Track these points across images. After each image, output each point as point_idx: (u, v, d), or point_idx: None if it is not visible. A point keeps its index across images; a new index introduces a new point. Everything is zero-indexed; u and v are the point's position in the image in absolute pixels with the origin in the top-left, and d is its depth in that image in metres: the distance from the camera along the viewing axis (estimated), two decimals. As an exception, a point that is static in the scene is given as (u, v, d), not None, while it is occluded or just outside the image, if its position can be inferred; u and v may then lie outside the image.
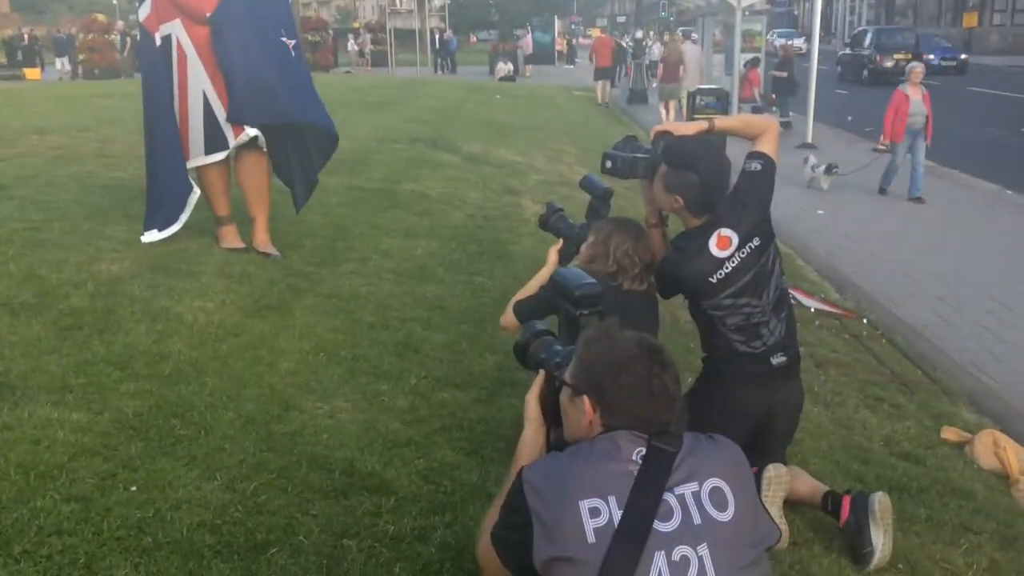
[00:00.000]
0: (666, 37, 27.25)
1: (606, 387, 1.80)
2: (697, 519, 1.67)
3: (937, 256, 8.37)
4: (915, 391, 5.03)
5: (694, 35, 22.64)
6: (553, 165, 11.18)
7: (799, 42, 32.72)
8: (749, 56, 17.19)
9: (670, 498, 1.68)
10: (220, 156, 4.98)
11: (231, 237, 5.19)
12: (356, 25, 69.12)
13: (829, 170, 11.26)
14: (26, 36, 33.19)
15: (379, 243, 5.99)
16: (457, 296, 5.11)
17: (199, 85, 4.85)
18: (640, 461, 1.72)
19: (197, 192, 4.97)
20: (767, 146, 3.12)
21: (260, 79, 4.90)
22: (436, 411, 3.60)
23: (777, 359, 3.08)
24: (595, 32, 78.43)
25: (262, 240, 5.25)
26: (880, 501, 3.05)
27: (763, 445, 3.13)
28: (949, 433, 4.34)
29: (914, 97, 10.77)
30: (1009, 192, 11.44)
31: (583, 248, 3.32)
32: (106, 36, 32.04)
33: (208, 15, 4.79)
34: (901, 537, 3.12)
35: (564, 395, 1.93)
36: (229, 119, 4.91)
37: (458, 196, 8.12)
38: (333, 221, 6.31)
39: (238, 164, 5.15)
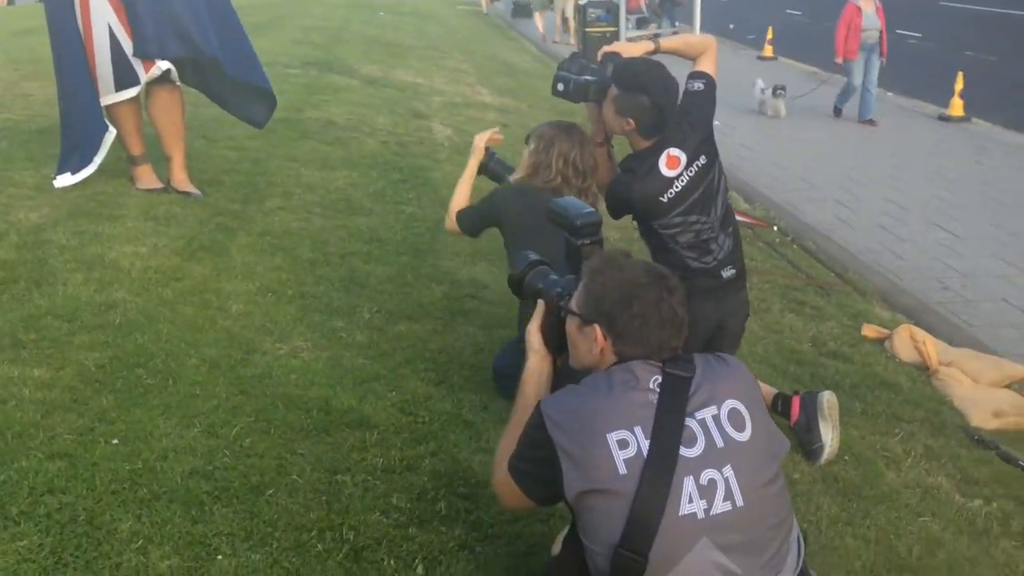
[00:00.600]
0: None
1: (617, 316, 1.86)
2: (720, 442, 1.75)
3: (833, 160, 8.80)
4: (831, 292, 5.36)
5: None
6: (454, 86, 11.08)
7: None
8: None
9: (692, 423, 1.76)
10: (132, 93, 4.76)
11: (147, 177, 5.01)
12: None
13: (775, 92, 10.88)
14: None
15: (299, 176, 5.88)
16: (391, 227, 5.11)
17: (103, 18, 4.60)
18: (658, 389, 1.79)
19: (112, 132, 4.76)
20: (707, 65, 3.23)
21: (165, 10, 4.68)
22: (396, 344, 3.65)
23: (727, 272, 3.26)
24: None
25: (180, 179, 5.09)
26: (828, 399, 3.30)
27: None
28: (869, 331, 4.67)
29: (867, 10, 10.35)
30: (889, 94, 12.01)
31: (524, 155, 3.34)
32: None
33: None
34: (842, 431, 3.38)
35: (572, 324, 1.98)
36: (136, 53, 4.69)
37: (366, 122, 8.00)
38: (247, 155, 6.15)
39: (150, 100, 4.94)
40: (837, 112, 10.92)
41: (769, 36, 15.52)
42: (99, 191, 4.85)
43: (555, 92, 3.28)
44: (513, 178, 3.40)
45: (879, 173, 8.41)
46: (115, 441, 2.67)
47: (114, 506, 2.39)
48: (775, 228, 6.59)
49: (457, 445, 2.94)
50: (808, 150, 9.33)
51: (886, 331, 4.63)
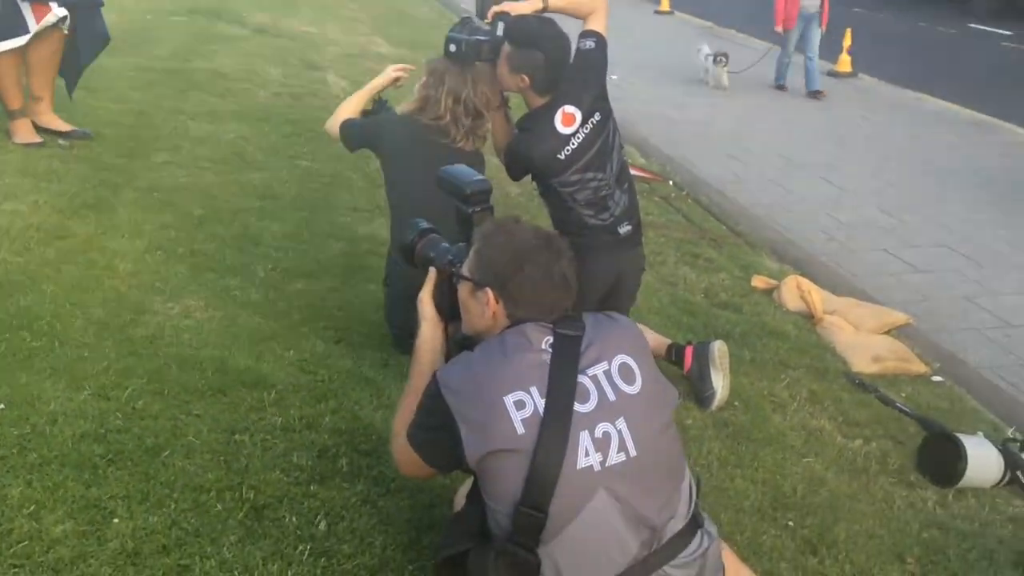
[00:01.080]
0: None
1: (509, 278, 1.92)
2: (612, 396, 1.83)
3: (724, 112, 9.04)
4: (723, 245, 5.55)
5: None
6: (349, 36, 10.85)
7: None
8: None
9: (584, 380, 1.82)
10: (20, 42, 4.54)
11: (26, 131, 4.79)
12: None
13: (717, 60, 10.22)
14: None
15: (186, 129, 5.72)
16: (285, 182, 5.04)
17: None
18: (550, 349, 1.85)
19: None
20: (598, 24, 3.29)
21: None
22: (293, 302, 3.63)
23: (624, 228, 3.35)
24: None
25: (52, 118, 4.88)
26: (719, 348, 3.45)
27: (612, 307, 3.43)
28: (758, 281, 4.87)
29: None
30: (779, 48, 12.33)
31: (416, 88, 3.30)
32: None
33: None
34: (732, 378, 3.54)
35: (464, 290, 2.03)
36: None
37: (257, 73, 7.80)
38: (130, 108, 5.94)
39: (31, 44, 4.68)
40: (780, 88, 10.40)
41: (666, -10, 15.74)
42: (-30, 146, 4.62)
43: (447, 54, 3.26)
44: (401, 109, 3.36)
45: (771, 129, 8.69)
46: (1, 406, 2.60)
47: (2, 472, 2.34)
48: (671, 183, 6.75)
49: (358, 402, 2.97)
50: (708, 110, 9.54)
51: (774, 282, 4.83)
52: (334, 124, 3.39)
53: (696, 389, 3.46)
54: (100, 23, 4.97)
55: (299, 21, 11.15)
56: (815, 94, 10.06)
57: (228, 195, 4.69)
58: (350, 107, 3.42)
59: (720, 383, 3.42)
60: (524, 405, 1.77)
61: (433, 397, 1.88)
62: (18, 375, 2.76)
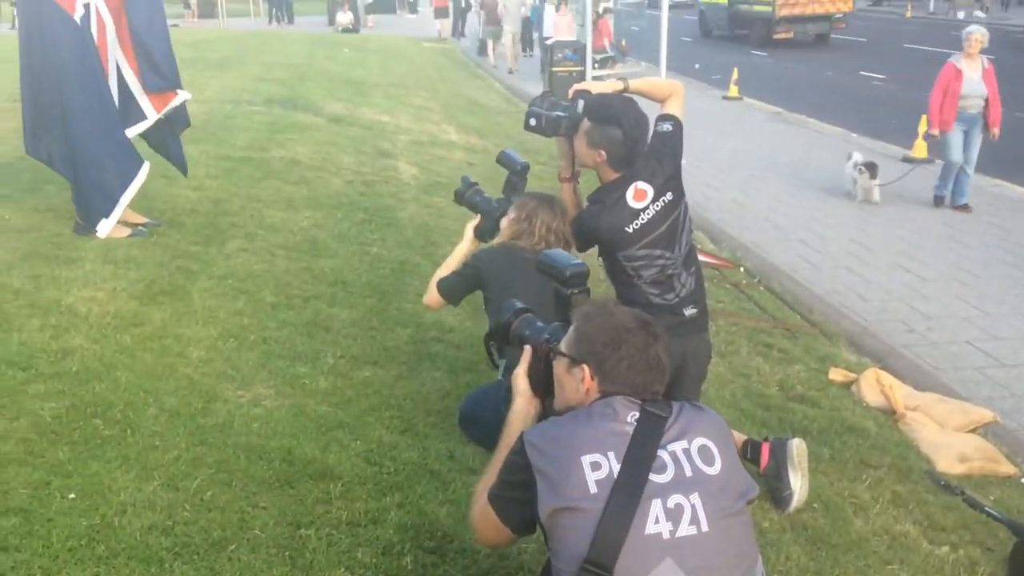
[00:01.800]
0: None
1: (606, 357, 1.99)
2: (688, 471, 1.85)
3: (796, 198, 8.96)
4: (797, 335, 5.44)
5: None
6: (420, 124, 11.16)
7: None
8: (601, 7, 17.51)
9: (663, 453, 1.86)
10: (140, 129, 4.84)
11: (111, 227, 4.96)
12: (178, -28, 65.46)
13: (863, 171, 8.84)
14: None
15: (262, 216, 5.88)
16: (355, 269, 5.12)
17: (115, 56, 4.65)
18: (635, 423, 1.90)
19: (147, 165, 4.85)
20: (675, 108, 3.36)
21: (167, 44, 4.88)
22: (360, 391, 3.65)
23: (689, 311, 3.32)
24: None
25: (129, 211, 5.08)
26: (797, 447, 3.35)
27: (676, 394, 3.37)
28: (836, 374, 4.75)
29: (969, 74, 8.42)
30: (854, 135, 12.28)
31: (504, 224, 3.45)
32: None
33: None
34: (811, 477, 3.42)
35: (560, 366, 2.10)
36: (146, 87, 4.79)
37: (331, 161, 8.03)
38: (208, 195, 6.14)
39: None
40: (938, 201, 8.79)
41: (734, 77, 15.84)
42: (56, 232, 4.82)
43: (527, 127, 3.36)
44: (494, 242, 3.47)
45: (843, 213, 8.58)
46: (72, 496, 2.63)
47: (71, 564, 2.35)
48: (742, 269, 6.69)
49: (424, 496, 2.94)
50: (776, 201, 9.50)
51: (853, 375, 4.70)
52: (431, 294, 3.49)
53: (773, 489, 3.34)
54: (184, 112, 5.26)
55: (372, 110, 11.52)
56: (962, 208, 8.63)
57: (300, 282, 4.78)
58: (441, 271, 3.54)
59: (798, 483, 3.30)
60: (600, 467, 1.84)
61: (517, 454, 1.95)
62: (90, 464, 2.81)
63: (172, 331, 3.88)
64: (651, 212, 3.19)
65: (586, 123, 3.21)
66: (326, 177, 7.39)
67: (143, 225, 5.10)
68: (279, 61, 15.92)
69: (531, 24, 21.94)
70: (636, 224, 3.17)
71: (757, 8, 23.63)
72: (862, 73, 18.07)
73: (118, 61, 4.72)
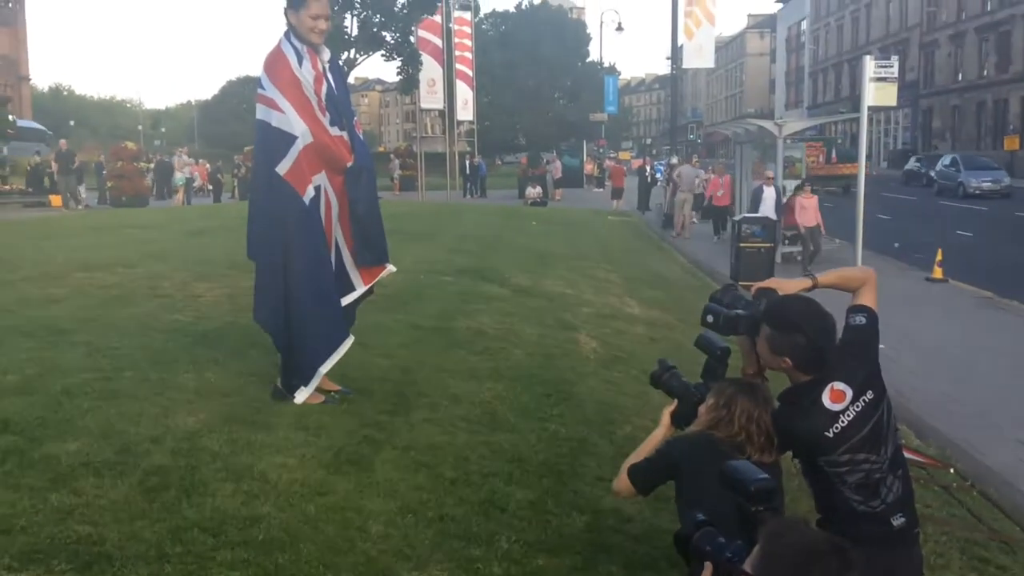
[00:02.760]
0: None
1: None
2: None
3: (1015, 394, 8.29)
4: (1017, 551, 4.92)
5: (694, 158, 27.32)
6: (602, 297, 11.31)
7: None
8: (793, 183, 17.52)
9: None
10: (348, 300, 5.23)
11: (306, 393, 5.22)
12: (382, 150, 71.64)
13: None
14: (53, 163, 32.86)
15: (446, 387, 6.03)
16: (533, 446, 5.11)
17: (336, 235, 5.09)
18: None
19: (351, 339, 5.17)
20: (868, 298, 3.22)
21: (380, 223, 5.32)
22: (534, 580, 3.56)
23: (897, 520, 3.07)
24: (623, 155, 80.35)
25: (324, 379, 5.34)
26: None
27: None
28: (1068, 600, 4.21)
29: None
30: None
31: (702, 411, 3.34)
32: (136, 164, 33.18)
33: (348, 165, 5.06)
34: None
35: None
36: (358, 263, 5.22)
37: (514, 332, 8.20)
38: (397, 364, 6.39)
39: None
40: None
41: (938, 258, 15.17)
42: (255, 397, 5.11)
43: (704, 323, 3.31)
44: (691, 430, 3.38)
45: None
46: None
47: None
48: (952, 470, 6.19)
49: None
50: (996, 391, 8.86)
51: (1090, 602, 4.16)
52: (621, 480, 3.42)
53: None
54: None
55: (555, 282, 11.81)
56: None
57: (479, 457, 4.81)
58: (633, 458, 3.48)
59: None
60: None
61: None
62: (267, 639, 2.84)
63: (355, 503, 3.96)
64: (852, 414, 3.02)
65: (767, 328, 3.13)
66: (509, 348, 7.54)
67: (336, 392, 5.33)
68: (471, 233, 16.75)
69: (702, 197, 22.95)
70: (836, 428, 3.00)
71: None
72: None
73: (337, 239, 5.11)
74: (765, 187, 17.26)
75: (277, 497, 3.87)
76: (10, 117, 38.79)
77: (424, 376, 6.23)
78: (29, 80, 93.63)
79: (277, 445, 4.46)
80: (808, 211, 16.70)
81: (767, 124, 18.88)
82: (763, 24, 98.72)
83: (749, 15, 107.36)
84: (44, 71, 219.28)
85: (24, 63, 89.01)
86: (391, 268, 5.47)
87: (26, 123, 58.94)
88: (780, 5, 79.15)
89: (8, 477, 3.80)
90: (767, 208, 16.80)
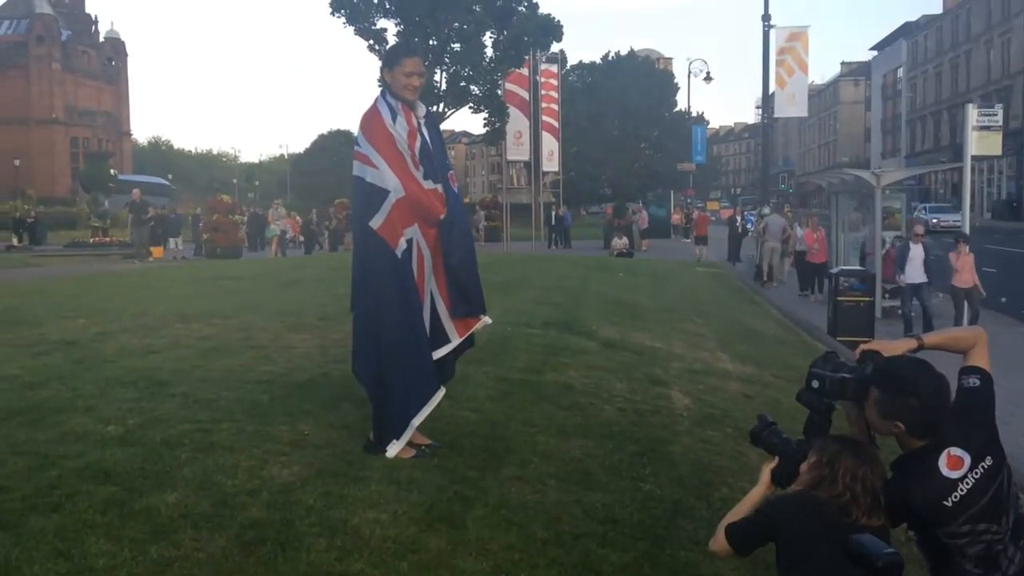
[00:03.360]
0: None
1: None
2: None
3: None
4: None
5: (787, 208, 28.23)
6: (694, 351, 11.16)
7: (953, 218, 32.73)
8: (892, 234, 17.11)
9: None
10: (443, 352, 5.30)
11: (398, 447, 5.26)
12: (467, 201, 72.75)
13: None
14: (153, 212, 34.08)
15: (535, 443, 6.00)
16: (627, 507, 5.03)
17: (430, 287, 5.18)
18: None
19: (442, 391, 5.25)
20: (980, 359, 3.12)
21: (476, 274, 5.41)
22: (631, 651, 3.48)
23: None
24: (711, 205, 79.88)
25: (415, 433, 5.38)
26: None
27: None
28: None
29: None
30: None
31: (804, 469, 3.24)
32: (231, 216, 34.42)
33: (441, 217, 5.17)
34: None
35: None
36: (453, 314, 5.30)
37: (604, 387, 8.15)
38: (487, 418, 6.40)
39: None
40: None
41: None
42: (348, 450, 5.17)
43: (809, 389, 3.23)
44: (792, 489, 3.29)
45: None
46: None
47: None
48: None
49: None
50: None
51: None
52: (719, 538, 3.33)
53: None
54: None
55: (644, 335, 11.71)
56: None
57: (571, 516, 4.75)
58: (732, 516, 3.40)
59: None
60: None
61: None
62: None
63: (447, 561, 3.96)
64: (970, 481, 2.90)
65: (875, 391, 3.04)
66: (598, 404, 7.48)
67: (426, 446, 5.37)
68: (557, 284, 16.79)
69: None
70: (955, 497, 2.89)
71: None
72: None
73: (432, 291, 5.19)
74: (912, 244, 15.93)
75: (370, 553, 3.89)
76: (112, 171, 40.74)
77: (513, 431, 6.22)
78: (130, 135, 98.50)
79: (370, 499, 4.50)
80: (965, 271, 15.52)
81: (864, 174, 18.50)
82: (857, 72, 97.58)
83: (842, 63, 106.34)
84: (144, 125, 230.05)
85: (125, 119, 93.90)
86: (487, 320, 5.52)
87: (152, 179, 62.14)
88: (875, 53, 78.21)
89: (110, 528, 3.91)
90: (914, 269, 15.57)
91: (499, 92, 39.84)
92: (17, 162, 71.67)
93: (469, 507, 4.64)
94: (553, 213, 43.59)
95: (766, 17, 30.05)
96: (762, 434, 3.52)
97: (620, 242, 34.75)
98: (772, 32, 30.39)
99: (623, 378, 8.73)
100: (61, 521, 3.92)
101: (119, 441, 5.09)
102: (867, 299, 14.67)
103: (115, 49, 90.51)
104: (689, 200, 56.37)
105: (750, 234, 31.38)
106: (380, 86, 5.22)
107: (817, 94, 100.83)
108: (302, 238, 39.57)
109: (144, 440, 5.13)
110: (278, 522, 4.10)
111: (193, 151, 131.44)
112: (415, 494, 4.67)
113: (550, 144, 41.39)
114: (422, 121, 5.23)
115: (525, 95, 38.40)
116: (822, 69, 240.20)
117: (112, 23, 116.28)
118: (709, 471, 5.98)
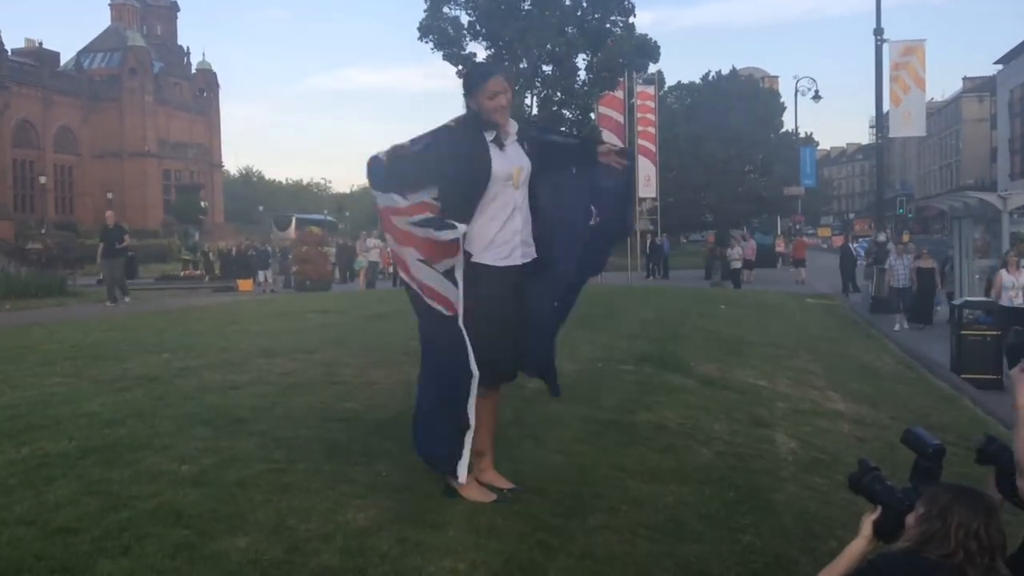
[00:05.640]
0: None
1: None
2: None
3: None
4: None
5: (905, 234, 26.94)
6: (801, 390, 10.85)
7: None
8: (1021, 262, 16.38)
9: None
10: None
11: (476, 490, 5.21)
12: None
13: None
14: (241, 247, 35.29)
15: (625, 488, 5.88)
16: (724, 560, 4.87)
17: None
18: None
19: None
20: None
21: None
22: None
23: None
24: (822, 231, 78.16)
25: (494, 475, 5.34)
26: None
27: None
28: None
29: None
30: None
31: (911, 522, 3.06)
32: (320, 248, 35.31)
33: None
34: None
35: None
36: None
37: (701, 428, 7.96)
38: (574, 460, 6.31)
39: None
40: None
41: None
42: (426, 493, 5.15)
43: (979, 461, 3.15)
44: (898, 546, 3.10)
45: None
46: None
47: None
48: None
49: None
50: None
51: None
52: None
53: None
54: None
55: (747, 372, 11.44)
56: None
57: (662, 571, 4.62)
58: (829, 572, 3.25)
59: None
60: None
61: None
62: None
63: (525, 616, 3.88)
64: None
65: None
66: (694, 447, 7.31)
67: (508, 490, 5.31)
68: (653, 317, 16.61)
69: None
70: None
71: None
72: None
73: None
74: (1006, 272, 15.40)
75: (445, 605, 3.85)
76: (203, 203, 42.19)
77: (601, 475, 6.11)
78: (221, 167, 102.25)
79: (447, 547, 4.46)
80: None
81: (989, 197, 17.85)
82: (981, 87, 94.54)
83: (964, 78, 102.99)
84: (235, 157, 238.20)
85: (216, 150, 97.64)
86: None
87: (315, 216, 64.98)
88: (1000, 66, 75.56)
89: (178, 574, 3.97)
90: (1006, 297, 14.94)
91: (592, 116, 39.88)
92: (110, 195, 75.14)
93: (552, 557, 4.55)
94: (650, 241, 43.26)
95: (878, 31, 29.30)
96: (862, 480, 3.33)
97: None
98: (885, 46, 29.63)
99: (722, 418, 8.52)
100: (129, 566, 3.99)
101: (193, 481, 5.18)
102: (994, 333, 14.05)
103: (206, 80, 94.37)
104: (798, 227, 55.18)
105: (859, 263, 30.49)
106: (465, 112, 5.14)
107: (937, 112, 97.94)
108: (391, 269, 40.21)
109: (218, 480, 5.21)
110: (351, 570, 4.09)
111: (284, 182, 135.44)
112: (494, 542, 4.60)
113: (647, 169, 41.13)
114: (512, 139, 5.14)
115: (620, 118, 38.35)
116: (942, 85, 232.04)
117: (204, 54, 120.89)
118: (816, 522, 5.76)
